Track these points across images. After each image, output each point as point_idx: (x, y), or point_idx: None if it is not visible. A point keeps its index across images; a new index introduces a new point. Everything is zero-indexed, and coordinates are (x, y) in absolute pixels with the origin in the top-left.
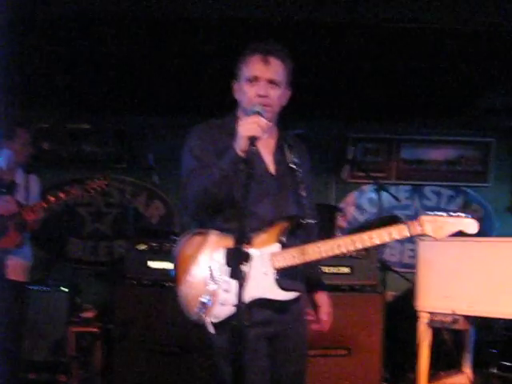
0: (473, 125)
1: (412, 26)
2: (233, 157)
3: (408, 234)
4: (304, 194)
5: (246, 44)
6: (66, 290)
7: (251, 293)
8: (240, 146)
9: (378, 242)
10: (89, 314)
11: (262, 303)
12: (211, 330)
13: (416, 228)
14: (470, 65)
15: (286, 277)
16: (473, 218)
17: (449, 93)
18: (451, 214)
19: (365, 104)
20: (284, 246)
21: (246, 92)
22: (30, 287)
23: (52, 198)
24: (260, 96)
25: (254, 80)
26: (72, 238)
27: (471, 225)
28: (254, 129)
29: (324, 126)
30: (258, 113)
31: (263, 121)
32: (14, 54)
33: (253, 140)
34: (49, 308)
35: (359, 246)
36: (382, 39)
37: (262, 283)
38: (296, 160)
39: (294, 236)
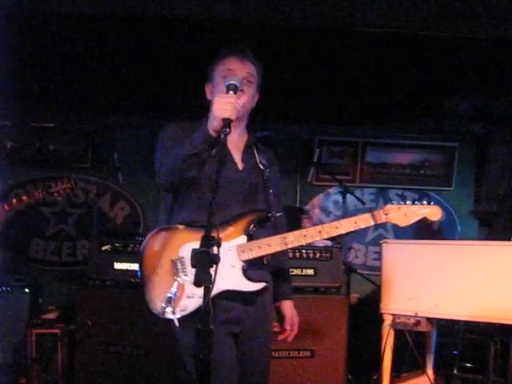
0: (437, 129)
1: (378, 31)
2: (205, 134)
3: (372, 223)
4: (271, 190)
5: (215, 45)
6: (28, 290)
7: (219, 285)
8: (213, 125)
9: (343, 231)
10: (51, 316)
11: (229, 296)
12: (176, 323)
13: (381, 216)
14: (435, 69)
15: (253, 268)
16: (436, 205)
17: (414, 97)
18: (415, 202)
19: (330, 107)
20: (251, 238)
21: (220, 84)
22: None
23: (14, 201)
24: (230, 70)
25: (229, 73)
26: (35, 238)
27: (435, 212)
28: (229, 110)
29: (290, 128)
30: (234, 86)
31: (238, 102)
32: None
33: (227, 121)
34: (10, 309)
35: (325, 235)
36: (349, 43)
37: (229, 275)
38: (264, 161)
39: (263, 229)
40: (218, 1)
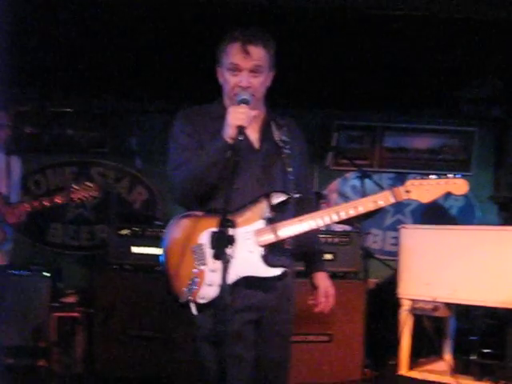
0: (456, 114)
1: (397, 14)
2: (221, 144)
3: (393, 200)
4: (290, 169)
5: (230, 28)
6: (48, 274)
7: (237, 271)
8: (228, 133)
9: (362, 210)
10: (70, 299)
11: (249, 282)
12: (194, 311)
13: (401, 193)
14: (454, 54)
15: (272, 253)
16: (462, 177)
17: (433, 82)
18: (439, 176)
19: (349, 91)
20: (270, 222)
21: (228, 80)
22: (11, 272)
23: (36, 204)
24: (241, 87)
25: (234, 69)
26: (54, 223)
27: (461, 185)
28: (242, 119)
29: (308, 112)
30: (246, 100)
31: (250, 112)
32: None
33: (241, 129)
34: (30, 293)
35: (343, 216)
36: (367, 27)
37: (248, 261)
38: (284, 138)
39: (286, 213)
40: None
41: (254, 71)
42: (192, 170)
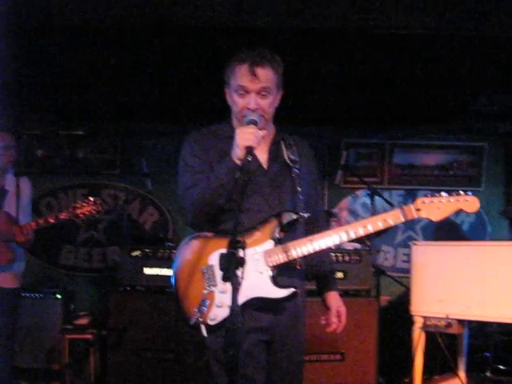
0: (465, 130)
1: (404, 32)
2: (230, 165)
3: (403, 219)
4: (299, 189)
5: (235, 50)
6: (60, 296)
7: (246, 293)
8: (237, 154)
9: (371, 229)
10: (83, 321)
11: (258, 304)
12: (204, 332)
13: (412, 212)
14: (462, 70)
15: (282, 274)
16: (473, 195)
17: (442, 98)
18: (450, 193)
19: (357, 109)
20: (279, 242)
21: (236, 102)
22: (24, 294)
23: (41, 221)
24: (250, 109)
25: (242, 91)
26: (66, 245)
27: (472, 202)
28: (251, 139)
29: (317, 131)
30: (254, 121)
31: (259, 132)
32: (8, 58)
33: (249, 150)
34: (43, 315)
35: (353, 235)
36: (375, 45)
37: (257, 282)
38: (293, 157)
39: (295, 233)
40: (235, 7)
41: (262, 93)
42: (201, 192)
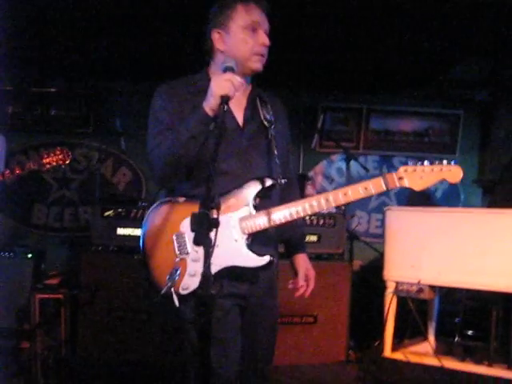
0: (441, 97)
1: None
2: (201, 116)
3: (385, 188)
4: (276, 152)
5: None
6: (31, 256)
7: (221, 261)
8: (210, 104)
9: (353, 198)
10: (54, 281)
11: (233, 272)
12: (176, 303)
13: (394, 181)
14: (440, 36)
15: (257, 242)
16: (456, 164)
17: (419, 64)
18: (432, 162)
19: (335, 73)
20: (255, 209)
21: (245, 40)
22: None
23: (7, 173)
24: (265, 45)
25: (256, 27)
26: (37, 204)
27: (455, 173)
28: (228, 87)
29: (294, 94)
30: (231, 68)
31: (237, 79)
32: None
33: (225, 99)
34: (13, 275)
35: (333, 203)
36: (353, 9)
37: (233, 250)
38: (268, 116)
39: (269, 198)
40: None
41: (267, 34)
42: (170, 146)
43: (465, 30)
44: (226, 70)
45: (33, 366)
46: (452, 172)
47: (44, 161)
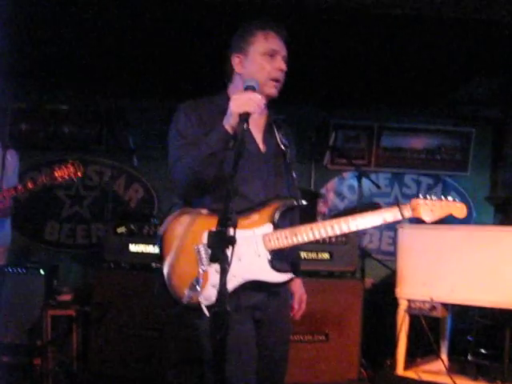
0: (453, 114)
1: (396, 13)
2: (221, 133)
3: (401, 217)
4: (294, 175)
5: (231, 26)
6: (43, 272)
7: (244, 275)
8: (230, 122)
9: (370, 224)
10: (66, 297)
11: (254, 286)
12: (206, 313)
13: (408, 211)
14: (452, 54)
15: (278, 258)
16: (463, 202)
17: (431, 82)
18: (442, 198)
19: (346, 91)
20: (276, 226)
21: (263, 65)
22: (7, 269)
23: (19, 188)
24: (281, 70)
25: (274, 54)
26: (50, 221)
27: (461, 209)
28: (248, 105)
29: (306, 111)
30: (253, 87)
31: (257, 97)
32: None
33: (245, 117)
34: (26, 291)
35: (353, 228)
36: (366, 26)
37: (255, 265)
38: (284, 141)
39: (284, 217)
40: None
41: (285, 61)
42: (191, 162)
43: (476, 48)
44: (248, 88)
45: (44, 382)
46: (458, 208)
47: (56, 174)
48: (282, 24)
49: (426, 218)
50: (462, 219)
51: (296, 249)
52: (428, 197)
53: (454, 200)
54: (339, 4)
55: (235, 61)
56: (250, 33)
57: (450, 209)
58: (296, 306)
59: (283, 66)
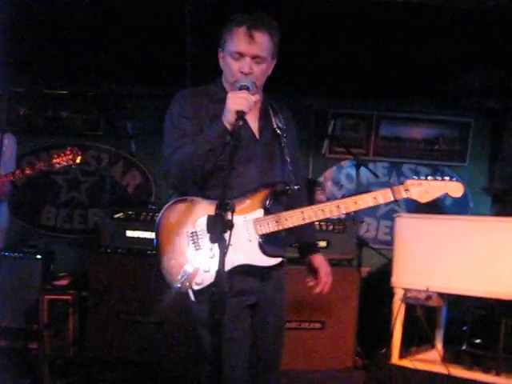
0: (452, 104)
1: (395, 2)
2: (220, 129)
3: (392, 198)
4: (288, 159)
5: (226, 14)
6: (40, 257)
7: (235, 259)
8: (228, 119)
9: (362, 206)
10: (63, 282)
11: (245, 270)
12: (192, 297)
13: (401, 192)
14: (451, 44)
15: (269, 243)
16: (458, 181)
17: (430, 71)
18: (437, 177)
19: (345, 80)
20: (268, 212)
21: (230, 66)
22: (4, 254)
23: (18, 173)
24: (243, 73)
25: (238, 56)
26: (47, 206)
27: (457, 188)
28: (243, 103)
29: (305, 100)
30: (246, 87)
31: (251, 97)
32: None
33: (240, 114)
34: (22, 275)
35: (343, 210)
36: (364, 15)
37: (246, 249)
38: (281, 125)
39: (279, 202)
40: None
41: (257, 59)
42: (189, 156)
43: (475, 38)
44: (241, 88)
45: (41, 367)
46: (454, 187)
47: (54, 161)
48: (262, 16)
49: (421, 199)
50: (459, 209)
51: (306, 229)
52: (423, 177)
53: (450, 179)
54: None
55: (219, 55)
56: (227, 29)
57: (445, 188)
58: (325, 278)
59: (245, 69)
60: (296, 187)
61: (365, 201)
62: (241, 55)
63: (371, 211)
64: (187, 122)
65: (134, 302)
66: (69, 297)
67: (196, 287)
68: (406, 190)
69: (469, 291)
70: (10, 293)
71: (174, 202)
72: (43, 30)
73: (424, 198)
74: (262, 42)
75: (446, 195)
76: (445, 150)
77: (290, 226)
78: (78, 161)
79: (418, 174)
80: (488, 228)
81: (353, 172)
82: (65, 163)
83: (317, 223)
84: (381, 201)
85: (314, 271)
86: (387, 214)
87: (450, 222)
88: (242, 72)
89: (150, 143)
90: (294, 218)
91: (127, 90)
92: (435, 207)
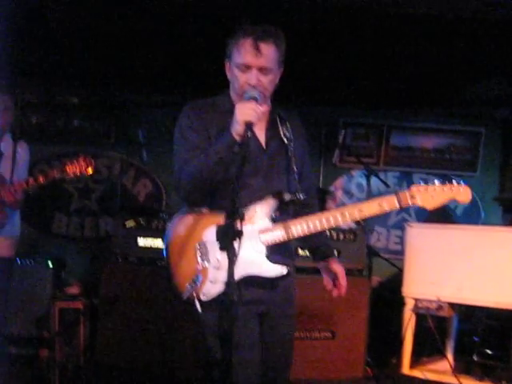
0: (463, 114)
1: (406, 12)
2: (229, 140)
3: (398, 205)
4: (296, 169)
5: (239, 23)
6: (51, 264)
7: (241, 270)
8: (236, 130)
9: (367, 213)
10: (74, 290)
11: (253, 280)
12: (199, 308)
13: (406, 199)
14: (462, 54)
15: (275, 252)
16: (466, 184)
17: (441, 81)
18: (443, 182)
19: (356, 89)
20: (274, 221)
21: (237, 77)
22: (16, 261)
23: (31, 181)
24: (250, 85)
25: (245, 68)
26: (58, 214)
27: (464, 193)
28: (251, 114)
29: (315, 109)
30: (254, 97)
31: (259, 108)
32: (5, 24)
33: (249, 125)
34: (34, 283)
35: (348, 218)
36: (376, 24)
37: (253, 259)
38: (288, 134)
39: (286, 212)
40: None
41: (264, 70)
42: (199, 168)
43: (486, 48)
44: (250, 99)
45: (51, 374)
46: (461, 192)
47: (67, 169)
48: (268, 27)
49: (427, 205)
50: (470, 219)
51: (319, 235)
52: (429, 183)
53: (457, 183)
54: (348, 4)
55: (226, 66)
56: (233, 40)
57: (452, 193)
58: (343, 282)
59: (253, 81)
60: (301, 196)
61: (370, 208)
62: (247, 67)
63: (382, 220)
64: (195, 134)
65: (145, 310)
66: (80, 305)
67: (203, 298)
68: (412, 196)
69: (480, 301)
70: (21, 301)
71: (183, 214)
72: (56, 39)
73: (430, 204)
74: (269, 54)
75: (455, 202)
76: (455, 159)
77: (295, 235)
78: (90, 170)
79: (428, 183)
80: (499, 238)
81: (363, 181)
82: (78, 173)
83: (327, 232)
84: (386, 208)
85: (330, 275)
86: (398, 223)
87: (461, 232)
88: (249, 84)
89: (161, 151)
90: (299, 227)
91: (139, 98)
92: (446, 217)
